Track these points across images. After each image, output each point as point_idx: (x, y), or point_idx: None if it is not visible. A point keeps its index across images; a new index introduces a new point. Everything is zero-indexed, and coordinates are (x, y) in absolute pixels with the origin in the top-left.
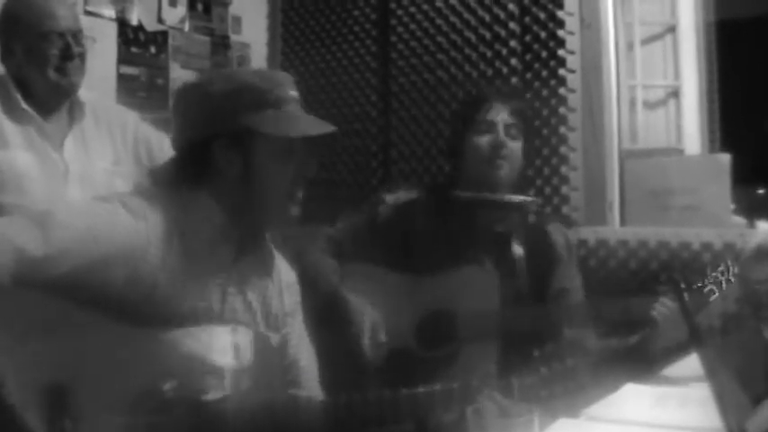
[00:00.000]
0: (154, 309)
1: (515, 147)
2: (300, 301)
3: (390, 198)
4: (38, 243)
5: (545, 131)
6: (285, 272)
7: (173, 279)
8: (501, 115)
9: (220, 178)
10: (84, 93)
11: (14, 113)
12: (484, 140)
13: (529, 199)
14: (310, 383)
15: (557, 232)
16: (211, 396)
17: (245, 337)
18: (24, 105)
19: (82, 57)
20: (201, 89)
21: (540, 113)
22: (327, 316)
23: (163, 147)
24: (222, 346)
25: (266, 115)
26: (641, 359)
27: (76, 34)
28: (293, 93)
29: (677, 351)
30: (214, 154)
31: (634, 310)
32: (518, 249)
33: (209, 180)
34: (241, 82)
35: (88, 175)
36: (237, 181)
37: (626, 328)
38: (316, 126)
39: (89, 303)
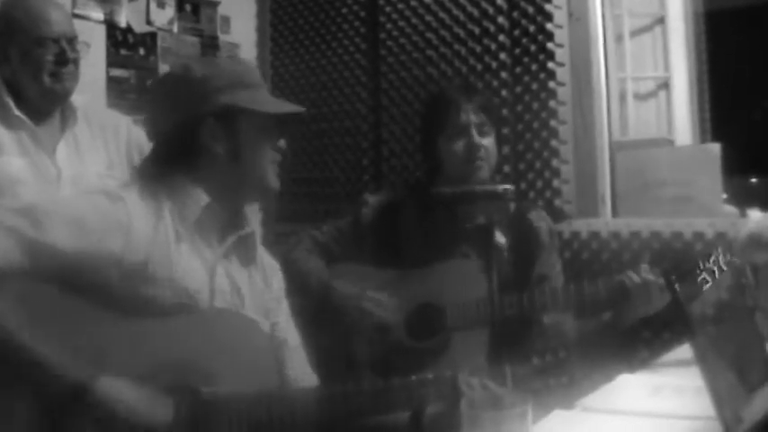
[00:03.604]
0: (146, 295)
1: (489, 143)
2: (286, 290)
3: (373, 199)
4: (31, 230)
5: (535, 125)
6: (270, 261)
7: (162, 263)
8: (471, 116)
9: (207, 157)
10: (76, 98)
11: (7, 119)
12: (459, 145)
13: (505, 187)
14: (300, 364)
15: (539, 219)
16: (206, 383)
17: (237, 322)
18: (17, 111)
19: (76, 62)
20: (180, 75)
21: (530, 107)
22: (321, 310)
23: None
24: (216, 332)
25: (245, 94)
26: (618, 334)
27: (72, 40)
28: (261, 79)
29: (662, 329)
30: (201, 134)
31: (613, 286)
32: (501, 239)
33: (194, 162)
34: (218, 66)
35: (81, 179)
36: (224, 158)
37: (607, 309)
38: (289, 105)
39: (85, 292)
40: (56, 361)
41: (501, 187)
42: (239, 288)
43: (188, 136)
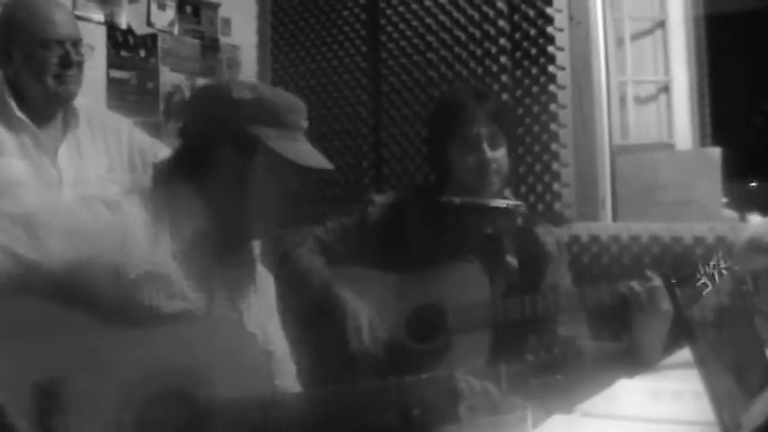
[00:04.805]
0: (141, 307)
1: (501, 155)
2: (277, 301)
3: (379, 199)
4: (27, 245)
5: (536, 128)
6: (264, 276)
7: (158, 276)
8: (482, 127)
9: (215, 179)
10: (78, 100)
11: (8, 121)
12: (470, 159)
13: (516, 203)
14: (286, 374)
15: (546, 233)
16: (200, 392)
17: (232, 334)
18: (19, 113)
19: (80, 65)
20: (222, 91)
21: (531, 111)
22: (320, 312)
23: (157, 153)
24: (210, 343)
25: (278, 134)
26: (636, 359)
27: (76, 43)
28: (304, 122)
29: (671, 345)
30: (217, 155)
31: (617, 292)
32: (508, 251)
33: (204, 180)
34: (262, 95)
35: (82, 182)
36: (231, 185)
37: (614, 316)
38: (317, 160)
39: (79, 304)
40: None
41: (512, 203)
42: (236, 304)
43: (205, 150)
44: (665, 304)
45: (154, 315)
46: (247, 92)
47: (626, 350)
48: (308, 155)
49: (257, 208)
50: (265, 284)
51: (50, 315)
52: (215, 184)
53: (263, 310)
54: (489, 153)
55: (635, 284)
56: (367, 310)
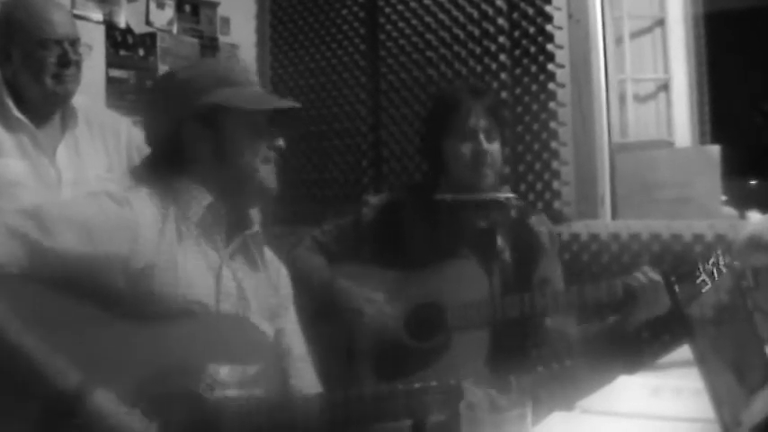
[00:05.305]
0: (151, 299)
1: (495, 149)
2: (293, 295)
3: (374, 200)
4: (39, 235)
5: (535, 126)
6: (276, 265)
7: (167, 266)
8: (480, 120)
9: (196, 159)
10: (76, 99)
11: (7, 121)
12: (466, 149)
13: (509, 195)
14: (304, 374)
15: (539, 224)
16: (210, 388)
17: (242, 329)
18: (17, 113)
19: (78, 64)
20: (165, 80)
21: (530, 109)
22: (324, 307)
23: None
24: (220, 337)
25: (228, 92)
26: (624, 338)
27: (74, 42)
28: (251, 77)
29: (662, 330)
30: (185, 136)
31: (615, 288)
32: (502, 243)
33: (187, 164)
34: (202, 66)
35: (81, 182)
36: (212, 159)
37: (611, 311)
38: (276, 101)
39: (89, 297)
40: (52, 367)
41: (504, 196)
42: (245, 291)
43: (175, 139)
44: (663, 298)
45: (163, 306)
46: (186, 70)
47: (612, 328)
48: (269, 99)
49: (247, 170)
50: (278, 276)
51: (60, 309)
52: (198, 163)
53: (271, 301)
54: (485, 145)
55: (639, 277)
56: (364, 293)
